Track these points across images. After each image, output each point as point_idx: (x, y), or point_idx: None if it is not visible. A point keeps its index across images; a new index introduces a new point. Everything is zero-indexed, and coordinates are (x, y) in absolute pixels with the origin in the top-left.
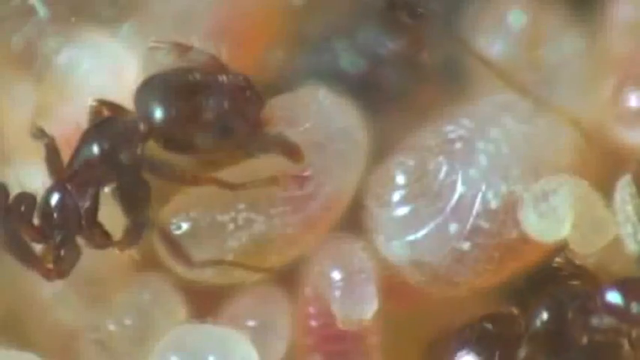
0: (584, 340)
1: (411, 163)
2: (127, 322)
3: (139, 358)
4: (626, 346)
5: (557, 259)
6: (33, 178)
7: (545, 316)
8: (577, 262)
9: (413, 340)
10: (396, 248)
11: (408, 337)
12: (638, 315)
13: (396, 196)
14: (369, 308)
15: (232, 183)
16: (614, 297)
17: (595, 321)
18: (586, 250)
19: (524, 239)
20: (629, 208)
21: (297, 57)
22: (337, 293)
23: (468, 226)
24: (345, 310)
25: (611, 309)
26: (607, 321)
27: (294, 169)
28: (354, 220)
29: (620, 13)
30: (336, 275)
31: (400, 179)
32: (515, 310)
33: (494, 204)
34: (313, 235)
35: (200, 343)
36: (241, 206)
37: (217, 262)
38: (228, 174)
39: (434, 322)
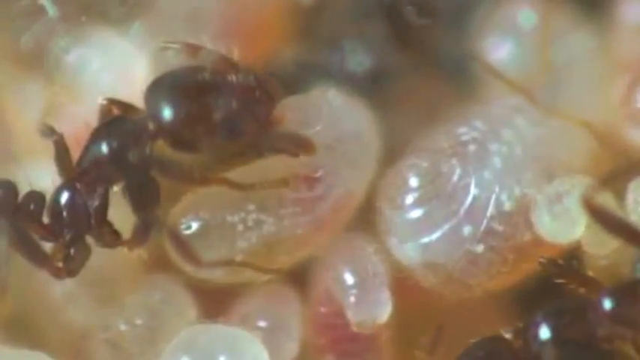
0: (590, 351)
1: (425, 165)
2: (138, 322)
3: (150, 358)
4: (632, 352)
5: (542, 259)
6: (42, 177)
7: (545, 332)
8: (562, 263)
9: (425, 336)
10: (410, 250)
11: (418, 333)
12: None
13: (410, 199)
14: (383, 312)
15: (242, 184)
16: (613, 304)
17: (598, 331)
18: (599, 252)
19: (538, 241)
20: None
21: (306, 57)
22: (351, 299)
23: (482, 229)
24: (360, 316)
25: (612, 316)
26: (610, 329)
27: (305, 171)
28: (367, 222)
29: (629, 14)
30: (350, 280)
31: (413, 181)
32: (508, 332)
33: (507, 206)
34: (323, 236)
35: (211, 343)
36: (251, 207)
37: (226, 263)
38: (238, 174)
39: (445, 320)
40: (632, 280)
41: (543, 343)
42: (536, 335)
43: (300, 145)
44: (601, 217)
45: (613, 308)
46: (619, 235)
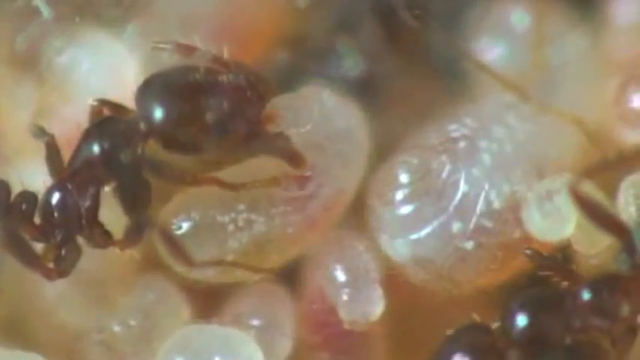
0: (566, 341)
1: (415, 161)
2: (132, 322)
3: (144, 359)
4: (607, 344)
5: (528, 251)
6: (35, 177)
7: (523, 320)
8: (546, 255)
9: (417, 331)
10: (400, 247)
11: (412, 328)
12: (618, 312)
13: (400, 195)
14: (375, 310)
15: (233, 183)
16: (592, 295)
17: (575, 321)
18: (589, 250)
19: (528, 239)
20: (633, 209)
21: (299, 57)
22: (344, 298)
23: (472, 226)
24: (352, 315)
25: (590, 308)
26: (587, 320)
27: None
28: (358, 218)
29: (622, 14)
30: (342, 279)
31: (403, 178)
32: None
33: (497, 203)
34: (314, 235)
35: (206, 344)
36: (241, 207)
37: (217, 263)
38: (228, 174)
39: (438, 315)
40: (611, 273)
41: (520, 331)
42: (513, 323)
43: (292, 159)
44: (586, 207)
45: (591, 299)
46: (602, 226)
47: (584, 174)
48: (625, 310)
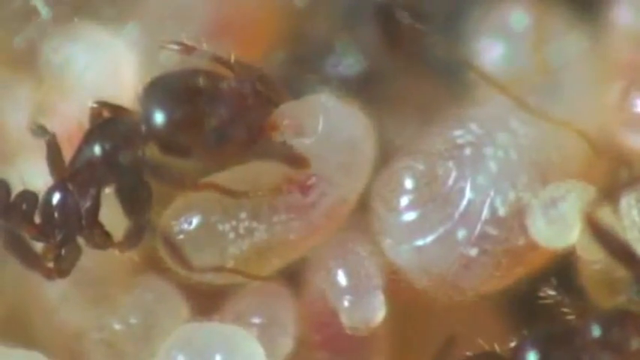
0: None
1: (420, 167)
2: (133, 321)
3: (144, 357)
4: None
5: (545, 289)
6: (36, 177)
7: (533, 356)
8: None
9: (418, 334)
10: (404, 253)
11: (413, 331)
12: (628, 348)
13: (405, 201)
14: (376, 316)
15: (234, 191)
16: (602, 331)
17: (585, 357)
18: (593, 257)
19: (532, 246)
20: (635, 212)
21: (299, 57)
22: (345, 304)
23: (476, 233)
24: (353, 321)
25: (600, 344)
26: (597, 356)
27: (298, 177)
28: (362, 221)
29: (621, 17)
30: (344, 284)
31: (409, 183)
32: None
33: (502, 210)
34: (315, 241)
35: (206, 341)
36: (243, 215)
37: (217, 269)
38: (230, 180)
39: (438, 319)
40: (621, 308)
41: None
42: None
43: (294, 162)
44: (601, 236)
45: (601, 335)
46: (615, 256)
47: (601, 198)
48: (635, 345)
